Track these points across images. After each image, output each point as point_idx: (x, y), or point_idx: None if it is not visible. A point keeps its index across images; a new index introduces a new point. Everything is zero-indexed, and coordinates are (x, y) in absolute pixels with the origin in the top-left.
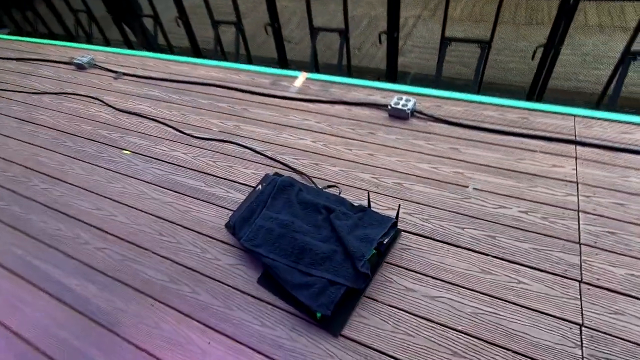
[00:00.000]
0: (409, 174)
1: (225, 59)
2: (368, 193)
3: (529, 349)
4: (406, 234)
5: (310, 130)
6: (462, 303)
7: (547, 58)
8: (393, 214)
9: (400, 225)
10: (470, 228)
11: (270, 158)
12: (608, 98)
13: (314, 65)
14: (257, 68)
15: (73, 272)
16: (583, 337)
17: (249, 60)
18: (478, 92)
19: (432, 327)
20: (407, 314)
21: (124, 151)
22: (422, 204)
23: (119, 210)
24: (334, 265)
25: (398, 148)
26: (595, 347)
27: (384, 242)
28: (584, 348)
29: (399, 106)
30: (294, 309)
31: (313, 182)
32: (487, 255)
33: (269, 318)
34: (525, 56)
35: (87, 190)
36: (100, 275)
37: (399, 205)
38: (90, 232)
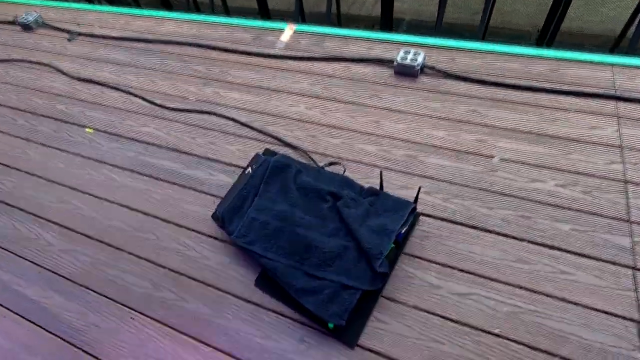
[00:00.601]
0: (422, 143)
1: (198, 9)
2: (380, 173)
3: (579, 353)
4: (424, 217)
5: (304, 95)
6: (498, 300)
7: None
8: (406, 193)
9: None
10: (499, 208)
11: (259, 131)
12: (627, 41)
13: (299, 14)
14: (236, 20)
15: (36, 282)
16: None
17: (226, 11)
18: (483, 39)
19: (465, 331)
20: (433, 316)
21: (87, 129)
22: (441, 180)
23: (85, 202)
24: (345, 265)
25: (408, 112)
26: None
27: (402, 231)
28: None
29: (407, 61)
30: (301, 316)
31: (312, 159)
32: (522, 240)
33: (272, 328)
34: None
35: (45, 179)
36: (69, 284)
37: (419, 187)
38: (53, 231)
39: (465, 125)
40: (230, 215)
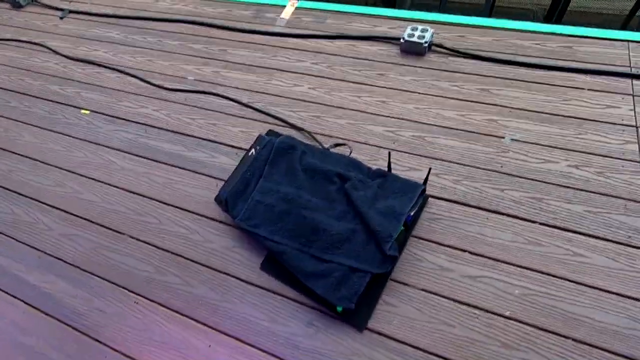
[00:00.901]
0: (431, 124)
1: None
2: (389, 154)
3: (593, 335)
4: (434, 199)
5: (307, 74)
6: (509, 283)
7: None
8: (415, 174)
9: (426, 189)
10: (510, 189)
11: (261, 112)
12: (637, 19)
13: None
14: None
15: (37, 267)
16: None
17: None
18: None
19: (475, 313)
20: (443, 299)
21: (82, 111)
22: (450, 162)
23: (84, 185)
24: (354, 247)
25: (415, 92)
26: None
27: (412, 214)
28: None
29: (414, 39)
30: (309, 299)
31: (317, 140)
32: (534, 222)
33: (279, 312)
34: None
35: (42, 162)
36: (71, 269)
37: (430, 169)
38: (52, 216)
39: (475, 104)
40: (234, 198)
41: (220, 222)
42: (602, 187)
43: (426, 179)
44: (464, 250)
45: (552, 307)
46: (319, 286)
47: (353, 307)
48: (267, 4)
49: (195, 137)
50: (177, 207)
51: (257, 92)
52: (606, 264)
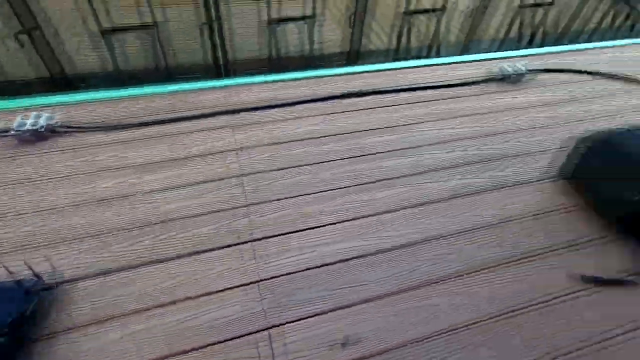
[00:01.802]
0: (44, 210)
1: None
2: None
3: (226, 331)
4: (69, 283)
5: None
6: (157, 324)
7: (214, 32)
8: (39, 269)
9: (57, 277)
10: (143, 239)
11: None
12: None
13: None
14: None
15: None
16: (261, 290)
17: None
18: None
19: None
20: None
21: None
22: (80, 238)
23: None
24: None
25: (39, 180)
26: (270, 293)
27: (26, 313)
28: (263, 301)
29: (27, 127)
30: None
31: None
32: (173, 259)
33: None
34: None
35: None
36: None
37: (26, 263)
38: None
39: (107, 172)
40: None
41: None
42: (218, 205)
43: (34, 272)
44: (112, 317)
45: (192, 327)
46: None
47: None
48: None
49: None
50: None
51: None
52: (229, 266)
